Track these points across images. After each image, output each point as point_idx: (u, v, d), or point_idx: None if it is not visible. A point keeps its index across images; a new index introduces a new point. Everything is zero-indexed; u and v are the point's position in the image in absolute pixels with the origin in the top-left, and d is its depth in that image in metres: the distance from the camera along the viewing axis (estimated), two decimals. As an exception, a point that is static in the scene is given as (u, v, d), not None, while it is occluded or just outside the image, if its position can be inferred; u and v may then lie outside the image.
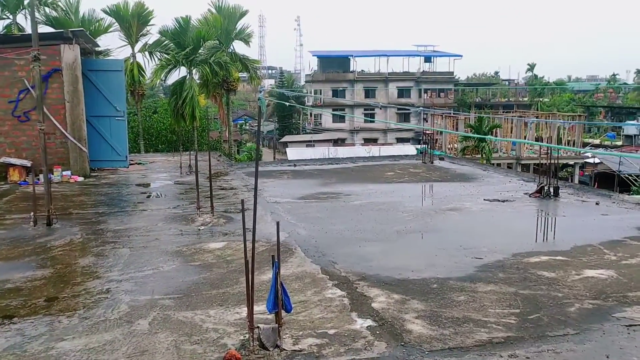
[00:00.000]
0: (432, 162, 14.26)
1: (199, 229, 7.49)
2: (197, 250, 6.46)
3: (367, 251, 6.50)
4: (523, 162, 30.74)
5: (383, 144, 60.14)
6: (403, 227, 7.59)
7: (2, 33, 20.49)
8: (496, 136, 31.93)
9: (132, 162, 14.22)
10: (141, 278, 5.47)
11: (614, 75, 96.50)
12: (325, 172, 13.31)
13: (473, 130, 30.79)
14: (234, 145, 27.11)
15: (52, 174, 11.56)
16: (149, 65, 24.54)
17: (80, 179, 11.77)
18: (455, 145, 33.88)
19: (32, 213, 7.64)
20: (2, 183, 11.30)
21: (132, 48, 24.32)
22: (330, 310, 4.62)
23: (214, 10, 23.92)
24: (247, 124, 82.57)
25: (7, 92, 11.50)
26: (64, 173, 11.63)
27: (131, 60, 24.18)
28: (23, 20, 22.39)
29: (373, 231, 7.41)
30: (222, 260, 6.10)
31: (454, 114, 46.22)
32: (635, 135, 49.67)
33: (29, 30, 17.46)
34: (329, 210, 8.77)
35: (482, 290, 5.06)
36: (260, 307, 4.44)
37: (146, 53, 24.33)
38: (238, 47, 26.00)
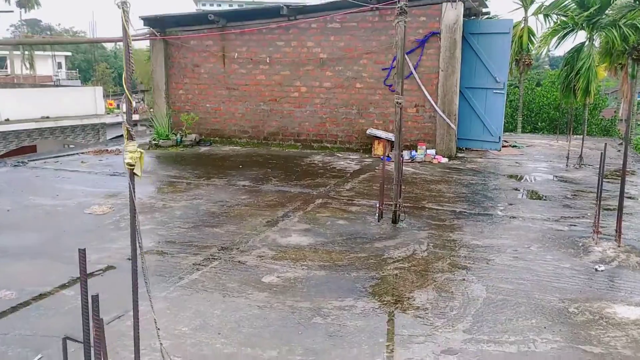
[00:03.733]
0: None
1: (596, 269, 4.83)
2: (594, 316, 3.90)
3: None
4: None
5: None
6: None
7: None
8: None
9: (505, 145, 12.02)
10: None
11: None
12: None
13: None
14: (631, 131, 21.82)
15: (416, 151, 10.36)
16: (541, 31, 21.56)
17: (444, 160, 10.23)
18: None
19: (377, 204, 6.31)
20: (367, 156, 10.69)
21: (525, 11, 21.66)
22: None
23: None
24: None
25: (382, 58, 10.69)
26: (428, 152, 10.28)
27: (522, 25, 21.62)
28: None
29: None
30: (643, 353, 3.42)
31: None
32: None
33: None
34: None
35: None
36: None
37: (540, 16, 21.30)
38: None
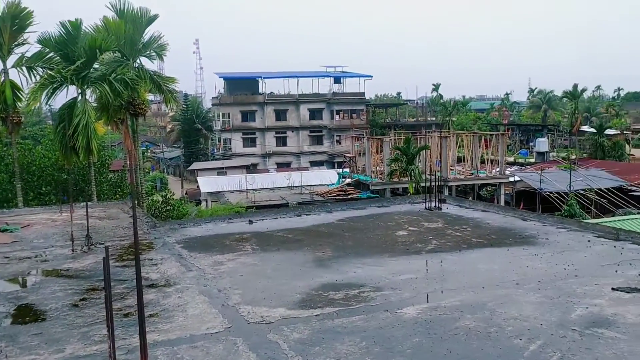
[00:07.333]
0: (441, 209, 10.39)
1: None
2: None
3: None
4: (450, 184, 28.95)
5: (298, 169, 56.71)
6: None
7: None
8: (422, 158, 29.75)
9: (-10, 232, 9.05)
10: None
11: (507, 94, 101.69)
12: (304, 234, 8.94)
13: (401, 153, 28.56)
14: (142, 185, 21.76)
15: None
16: (28, 84, 18.89)
17: None
18: (380, 168, 31.54)
19: None
20: None
21: (4, 62, 18.58)
22: None
23: (112, 14, 18.77)
24: (149, 151, 75.84)
25: None
26: None
27: (2, 78, 18.43)
28: None
29: None
30: None
31: (376, 135, 43.67)
32: (546, 152, 49.84)
33: None
34: (379, 344, 4.48)
35: None
36: None
37: (23, 68, 18.64)
38: (146, 62, 20.92)
